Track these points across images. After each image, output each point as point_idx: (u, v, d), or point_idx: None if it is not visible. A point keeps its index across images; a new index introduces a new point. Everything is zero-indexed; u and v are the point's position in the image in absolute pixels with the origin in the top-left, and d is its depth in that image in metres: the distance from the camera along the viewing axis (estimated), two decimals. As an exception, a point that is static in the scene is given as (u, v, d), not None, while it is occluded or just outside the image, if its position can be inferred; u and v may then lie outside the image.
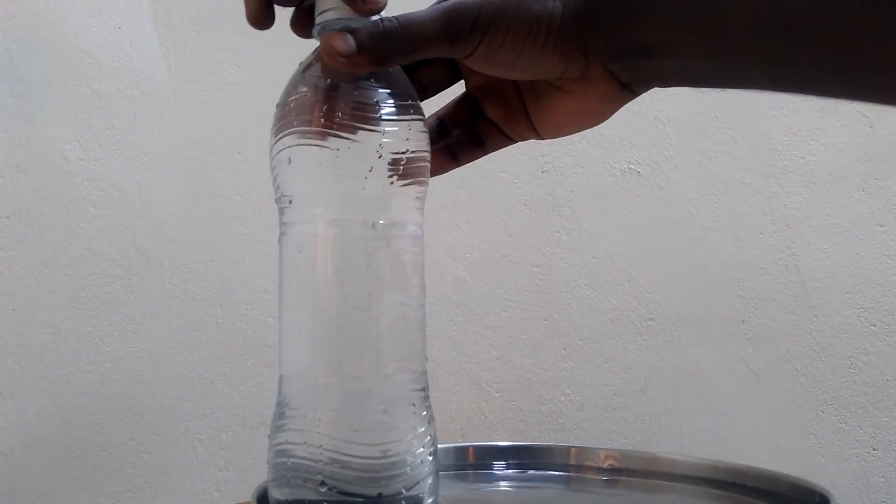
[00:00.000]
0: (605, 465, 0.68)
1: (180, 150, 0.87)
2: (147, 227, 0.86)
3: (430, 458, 0.44)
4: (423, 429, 0.44)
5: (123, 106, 0.86)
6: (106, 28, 0.86)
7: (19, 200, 0.83)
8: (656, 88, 0.43)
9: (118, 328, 0.85)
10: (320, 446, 0.41)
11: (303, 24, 0.44)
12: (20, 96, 0.84)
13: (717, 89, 0.42)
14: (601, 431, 0.94)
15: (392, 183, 0.43)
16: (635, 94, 0.43)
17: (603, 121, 0.45)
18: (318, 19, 0.43)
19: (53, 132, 0.84)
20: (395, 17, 0.41)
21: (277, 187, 0.44)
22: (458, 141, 0.49)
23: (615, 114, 0.45)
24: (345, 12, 0.42)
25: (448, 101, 0.49)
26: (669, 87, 0.42)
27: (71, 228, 0.84)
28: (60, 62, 0.85)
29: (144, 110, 0.87)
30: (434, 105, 0.49)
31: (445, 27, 0.40)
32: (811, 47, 0.35)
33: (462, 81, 0.49)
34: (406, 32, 0.40)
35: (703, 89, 0.42)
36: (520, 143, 0.49)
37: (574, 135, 0.47)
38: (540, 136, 0.47)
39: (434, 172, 0.47)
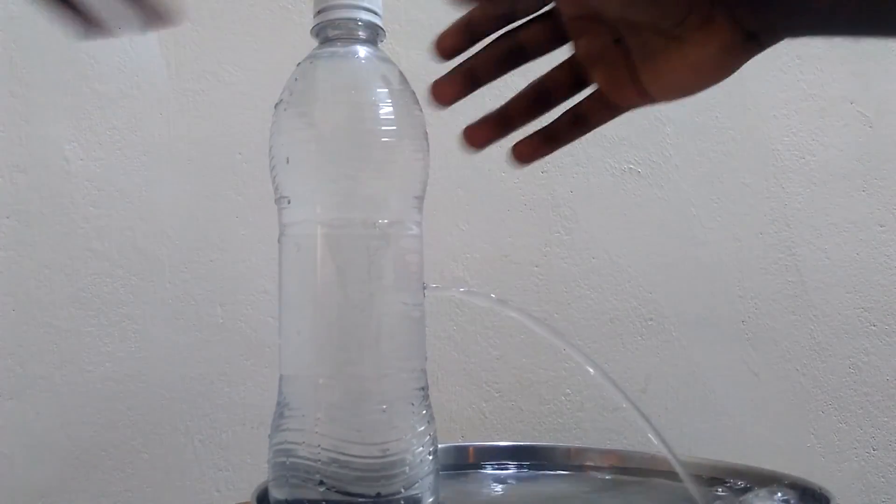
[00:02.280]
0: (605, 465, 0.68)
1: (180, 150, 0.87)
2: (147, 227, 0.86)
3: (430, 458, 0.44)
4: (422, 428, 0.44)
5: (123, 106, 0.86)
6: (106, 28, 0.86)
7: (19, 200, 0.83)
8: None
9: (118, 328, 0.85)
10: (319, 446, 0.41)
11: None
12: (20, 96, 0.84)
13: (851, 38, 0.39)
14: (601, 431, 0.94)
15: (389, 182, 0.43)
16: (762, 47, 0.40)
17: (724, 77, 0.41)
18: (316, 20, 0.43)
19: (53, 132, 0.84)
20: None
21: (276, 187, 0.44)
22: (556, 122, 0.46)
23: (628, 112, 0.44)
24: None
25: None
26: (799, 37, 0.39)
27: (71, 228, 0.84)
28: (60, 62, 0.85)
29: (144, 110, 0.87)
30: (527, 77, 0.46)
31: None
32: None
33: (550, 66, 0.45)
34: None
35: (741, 74, 0.40)
36: None
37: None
38: (652, 100, 0.43)
39: (528, 159, 0.44)
